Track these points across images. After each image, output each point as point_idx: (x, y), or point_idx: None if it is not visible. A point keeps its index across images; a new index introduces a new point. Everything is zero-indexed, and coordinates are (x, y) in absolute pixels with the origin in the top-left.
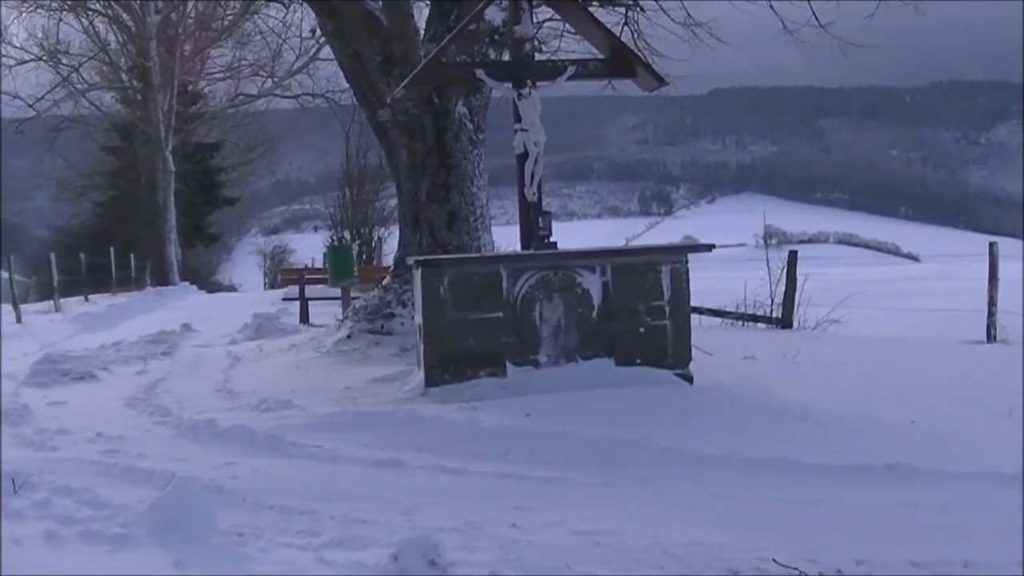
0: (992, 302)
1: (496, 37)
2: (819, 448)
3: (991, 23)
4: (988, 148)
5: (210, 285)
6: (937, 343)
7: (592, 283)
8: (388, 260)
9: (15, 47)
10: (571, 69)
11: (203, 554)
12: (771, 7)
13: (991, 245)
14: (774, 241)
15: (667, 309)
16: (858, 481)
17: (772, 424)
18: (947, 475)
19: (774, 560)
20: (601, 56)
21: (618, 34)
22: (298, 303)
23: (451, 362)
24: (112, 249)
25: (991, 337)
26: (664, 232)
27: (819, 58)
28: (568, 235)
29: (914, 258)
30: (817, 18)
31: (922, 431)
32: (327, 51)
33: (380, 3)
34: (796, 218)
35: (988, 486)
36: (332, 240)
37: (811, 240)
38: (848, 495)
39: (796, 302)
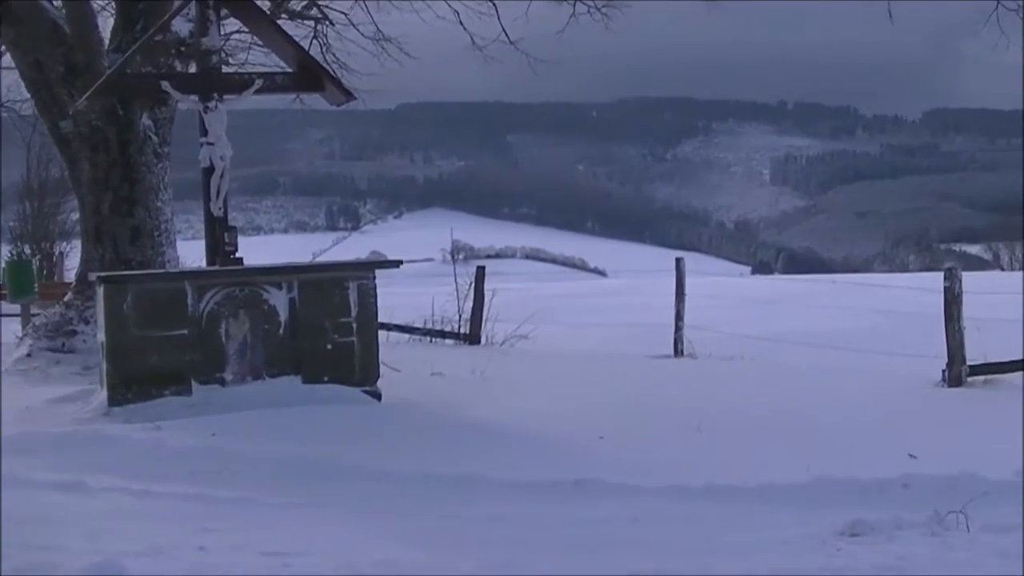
0: (679, 316)
1: (183, 48)
2: (509, 464)
3: (678, 42)
4: (674, 164)
5: None
6: (625, 358)
7: (279, 299)
8: (70, 276)
9: None
10: (259, 82)
11: None
12: (460, 23)
13: (678, 260)
14: (461, 256)
15: (354, 326)
16: (548, 497)
17: (461, 441)
18: (637, 490)
19: None
20: (289, 70)
21: (307, 48)
22: None
23: (135, 381)
24: None
25: (678, 351)
26: (351, 247)
27: (508, 73)
28: (255, 250)
29: (601, 273)
30: (507, 34)
31: (611, 446)
32: (8, 59)
33: (63, 11)
34: (484, 233)
35: (677, 500)
36: (12, 255)
37: (499, 255)
38: (539, 511)
39: (484, 318)
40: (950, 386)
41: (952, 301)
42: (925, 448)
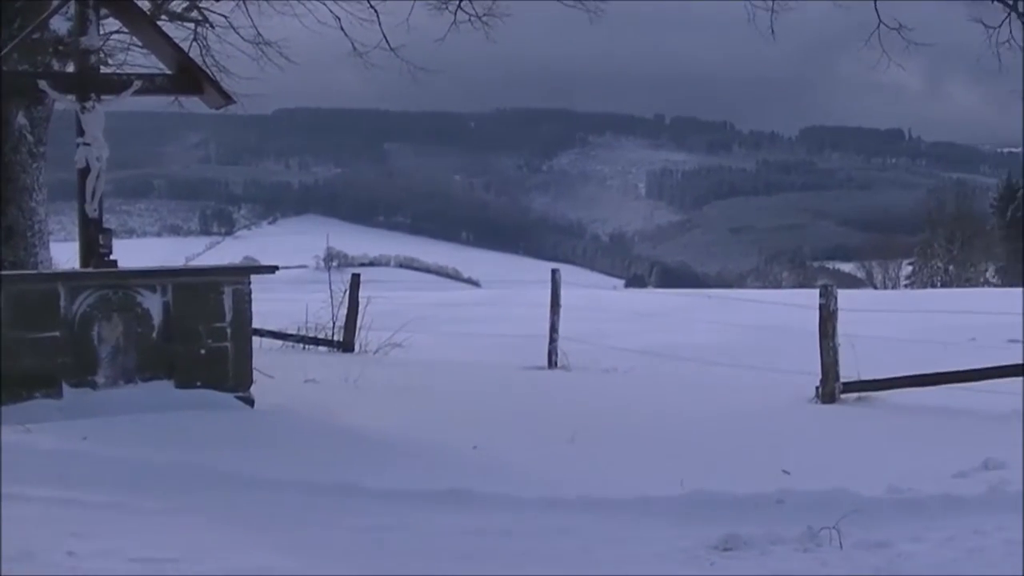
0: (554, 328)
1: (61, 47)
2: (383, 473)
3: (557, 53)
4: (550, 176)
5: None
6: (499, 368)
7: (153, 303)
8: None
9: None
10: (137, 83)
11: None
12: (341, 28)
13: (553, 272)
14: (335, 263)
15: (229, 331)
16: (423, 506)
17: (336, 448)
18: (511, 500)
19: None
20: (169, 72)
21: (187, 50)
22: None
23: (4, 382)
24: None
25: (552, 363)
26: (225, 252)
27: (387, 81)
28: (128, 253)
29: (475, 283)
30: (388, 41)
31: (485, 456)
32: None
33: None
34: (358, 241)
35: (552, 512)
36: None
37: (372, 263)
38: (415, 520)
39: (358, 325)
40: (824, 402)
41: (827, 318)
42: (799, 464)
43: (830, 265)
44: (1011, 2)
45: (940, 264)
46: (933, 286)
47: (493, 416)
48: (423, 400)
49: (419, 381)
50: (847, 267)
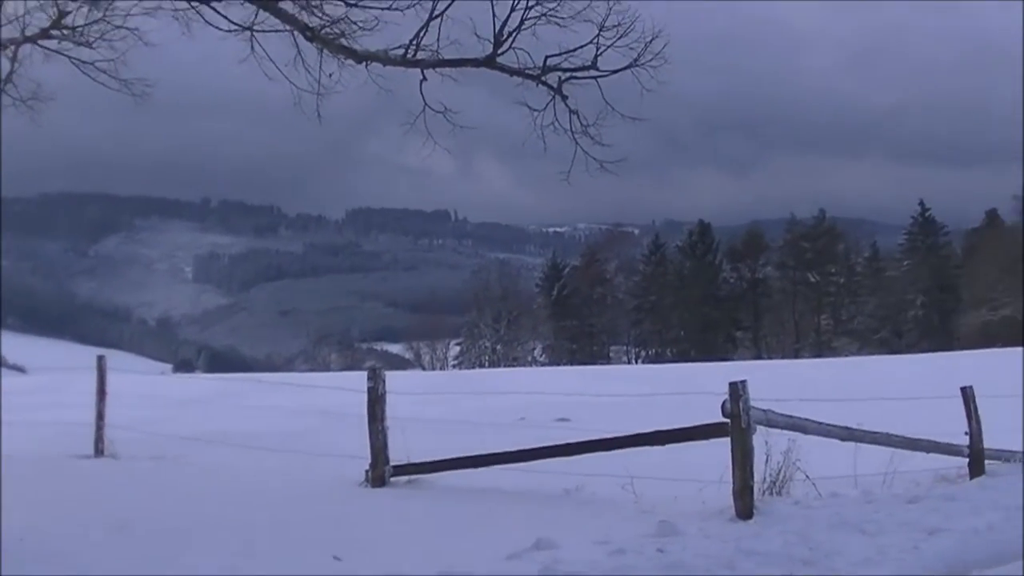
0: (100, 416)
1: None
2: None
3: (100, 138)
4: (97, 260)
5: None
6: (45, 458)
7: None
8: None
9: None
10: None
11: None
12: None
13: (99, 358)
14: None
15: None
16: None
17: None
18: None
19: None
20: None
21: None
22: None
23: None
24: None
25: (99, 451)
26: None
27: None
28: None
29: (20, 369)
30: None
31: (34, 546)
32: None
33: None
34: None
35: None
36: None
37: None
38: None
39: None
40: (374, 486)
41: (376, 401)
42: (351, 549)
43: (378, 347)
44: (556, 86)
45: (488, 343)
46: (481, 366)
47: (38, 505)
48: None
49: None
50: (395, 348)
